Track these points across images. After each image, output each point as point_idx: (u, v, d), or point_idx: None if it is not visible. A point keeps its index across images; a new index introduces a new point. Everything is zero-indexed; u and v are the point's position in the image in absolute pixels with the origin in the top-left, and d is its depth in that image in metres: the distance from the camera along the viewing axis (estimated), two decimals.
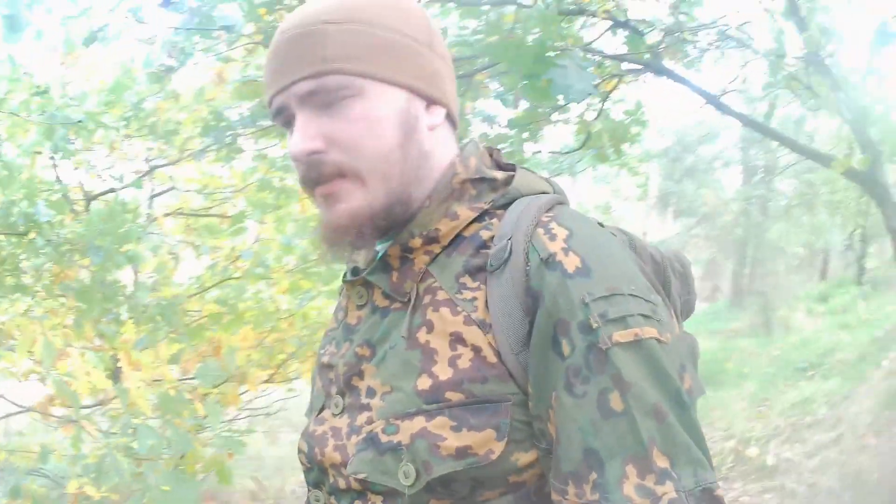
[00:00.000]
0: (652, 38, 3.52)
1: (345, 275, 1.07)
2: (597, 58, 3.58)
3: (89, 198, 3.79)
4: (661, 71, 3.50)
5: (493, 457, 0.84)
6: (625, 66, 4.01)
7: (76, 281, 3.24)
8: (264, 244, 5.12)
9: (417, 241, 0.96)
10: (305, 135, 0.93)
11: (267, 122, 4.30)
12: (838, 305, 11.41)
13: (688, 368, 0.88)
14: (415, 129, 0.96)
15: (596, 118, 4.42)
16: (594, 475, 0.79)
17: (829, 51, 3.13)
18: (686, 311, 1.21)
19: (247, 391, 4.60)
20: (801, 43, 3.09)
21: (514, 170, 1.02)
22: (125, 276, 4.46)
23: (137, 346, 3.33)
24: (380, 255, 0.99)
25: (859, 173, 3.20)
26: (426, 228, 0.96)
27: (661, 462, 0.78)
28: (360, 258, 1.06)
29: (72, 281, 3.22)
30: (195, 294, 4.51)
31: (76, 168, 4.06)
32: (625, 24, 3.29)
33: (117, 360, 3.02)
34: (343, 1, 0.95)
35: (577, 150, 5.14)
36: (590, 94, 2.46)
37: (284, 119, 0.97)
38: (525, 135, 6.32)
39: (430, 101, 0.98)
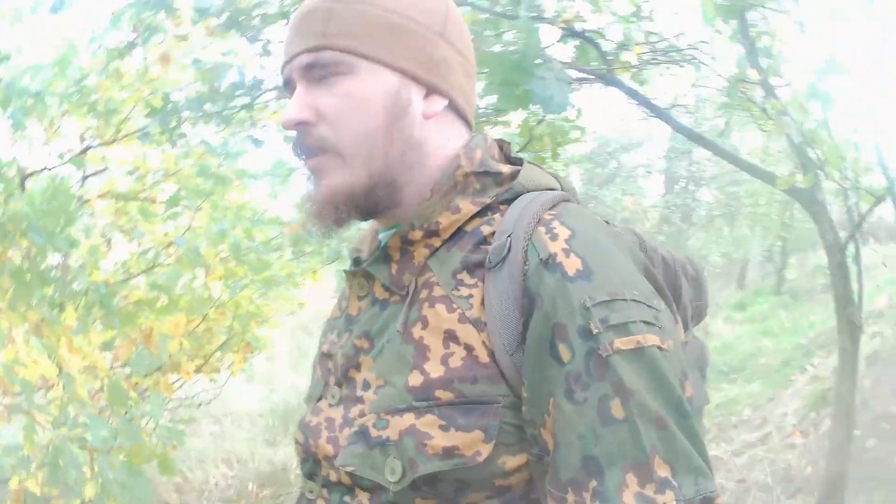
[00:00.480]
0: (606, 49, 3.61)
1: (354, 262, 1.08)
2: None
3: (24, 176, 3.64)
4: (611, 82, 3.59)
5: (480, 459, 0.84)
6: (574, 74, 4.11)
7: (8, 262, 3.11)
8: (196, 231, 5.00)
9: (418, 234, 0.95)
10: (298, 105, 0.95)
11: (212, 108, 4.24)
12: (757, 313, 11.84)
13: (689, 376, 0.87)
14: (404, 114, 0.95)
15: (540, 122, 4.50)
16: (594, 483, 0.78)
17: (779, 75, 3.31)
18: (697, 316, 1.20)
19: (179, 380, 4.50)
20: (755, 66, 3.23)
21: (521, 164, 1.02)
22: (52, 259, 4.32)
23: (74, 333, 3.21)
24: (381, 245, 1.00)
25: (799, 190, 3.38)
26: (427, 221, 0.95)
27: (662, 471, 0.77)
28: (365, 248, 1.07)
29: (8, 262, 3.09)
30: (126, 279, 4.38)
31: (14, 143, 3.90)
32: (580, 35, 3.37)
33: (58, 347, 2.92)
34: None
35: (519, 152, 5.24)
36: (569, 107, 2.51)
37: (290, 90, 0.99)
38: None
39: (431, 89, 0.97)
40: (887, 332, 7.11)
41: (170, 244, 4.86)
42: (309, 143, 0.96)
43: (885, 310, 7.88)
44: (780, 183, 3.25)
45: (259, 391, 8.37)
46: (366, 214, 0.98)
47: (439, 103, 0.98)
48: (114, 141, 4.69)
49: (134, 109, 4.47)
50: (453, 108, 1.00)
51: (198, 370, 4.64)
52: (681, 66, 3.61)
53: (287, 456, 6.31)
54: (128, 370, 3.86)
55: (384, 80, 0.94)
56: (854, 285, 3.61)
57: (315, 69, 0.95)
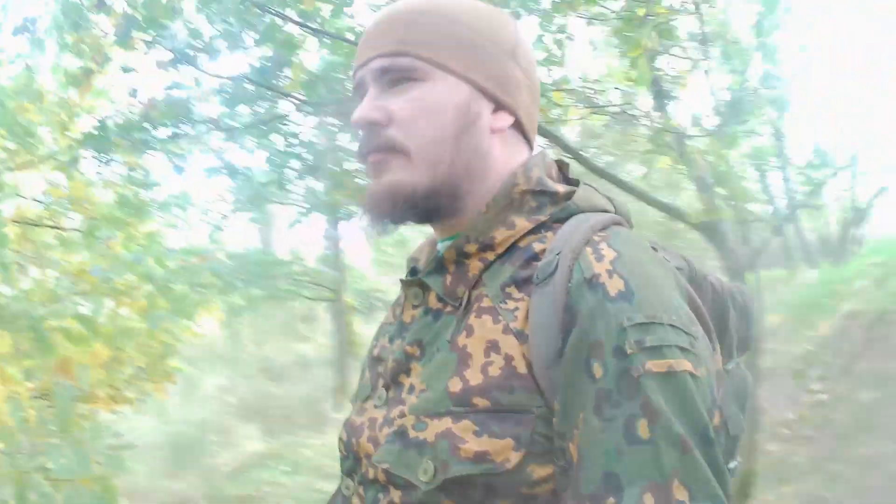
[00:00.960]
0: None
1: (410, 272, 1.11)
2: None
3: None
4: None
5: (509, 466, 0.85)
6: None
7: None
8: (113, 259, 4.91)
9: (472, 247, 0.98)
10: (370, 105, 0.98)
11: (141, 136, 4.24)
12: None
13: (722, 407, 0.88)
14: (472, 125, 0.98)
15: None
16: (612, 499, 0.78)
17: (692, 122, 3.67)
18: (743, 346, 1.20)
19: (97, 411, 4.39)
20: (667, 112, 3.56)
21: (578, 185, 1.04)
22: None
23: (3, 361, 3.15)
24: (438, 255, 1.02)
25: (705, 224, 3.76)
26: (482, 235, 0.97)
27: (680, 494, 0.77)
28: (422, 258, 1.11)
29: None
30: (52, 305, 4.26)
31: None
32: None
33: None
34: (439, 0, 1.01)
35: None
36: None
37: (361, 93, 1.02)
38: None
39: (499, 105, 1.01)
40: (780, 348, 7.78)
41: (82, 272, 4.76)
42: (378, 142, 0.98)
43: (777, 328, 8.56)
44: (689, 218, 3.58)
45: (151, 423, 8.17)
46: (424, 217, 1.01)
47: (506, 120, 1.01)
48: (30, 165, 4.58)
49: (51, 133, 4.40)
50: (518, 126, 1.03)
51: (114, 401, 4.54)
52: (611, 117, 3.88)
53: (189, 487, 6.20)
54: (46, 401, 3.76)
55: (456, 91, 0.98)
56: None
57: (390, 73, 0.98)
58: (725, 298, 1.13)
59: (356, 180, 6.16)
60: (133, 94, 3.73)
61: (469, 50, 0.99)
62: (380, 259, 20.55)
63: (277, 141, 5.92)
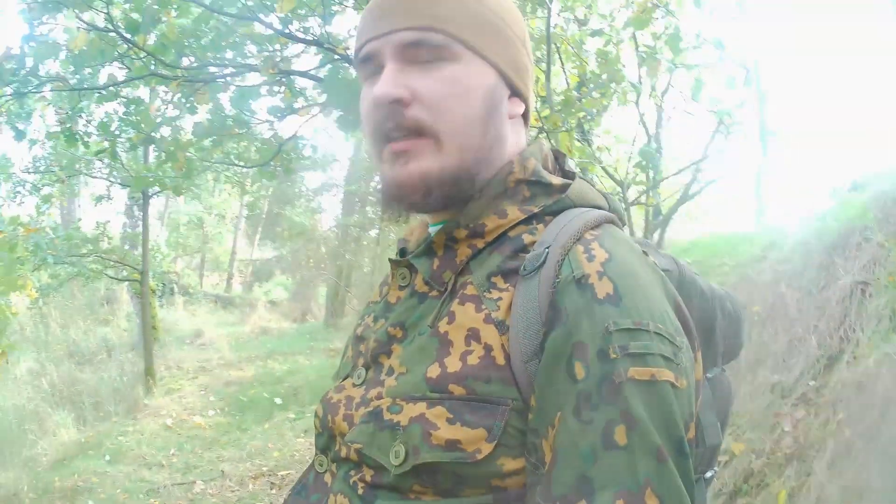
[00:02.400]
0: None
1: (400, 252, 1.11)
2: None
3: None
4: None
5: (479, 456, 0.84)
6: None
7: None
8: None
9: (462, 233, 0.96)
10: (395, 82, 0.92)
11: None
12: None
13: (700, 418, 0.88)
14: (497, 110, 0.97)
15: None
16: (583, 503, 0.77)
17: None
18: (730, 354, 1.19)
19: None
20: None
21: (574, 178, 1.03)
22: None
23: None
24: (428, 239, 1.00)
25: None
26: (473, 221, 0.96)
27: (652, 503, 0.76)
28: (413, 239, 1.10)
29: None
30: None
31: None
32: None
33: None
34: None
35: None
36: None
37: (372, 67, 0.97)
38: (208, 142, 6.47)
39: (514, 92, 1.00)
40: None
41: None
42: (404, 123, 0.93)
43: None
44: None
45: None
46: (447, 203, 0.97)
47: (520, 107, 1.01)
48: None
49: None
50: (524, 114, 1.04)
51: None
52: None
53: (11, 480, 5.72)
54: None
55: (486, 74, 0.96)
56: None
57: (420, 48, 0.93)
58: (714, 304, 1.13)
59: (188, 154, 5.98)
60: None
61: (494, 33, 0.97)
62: (174, 240, 19.65)
63: (116, 108, 5.61)
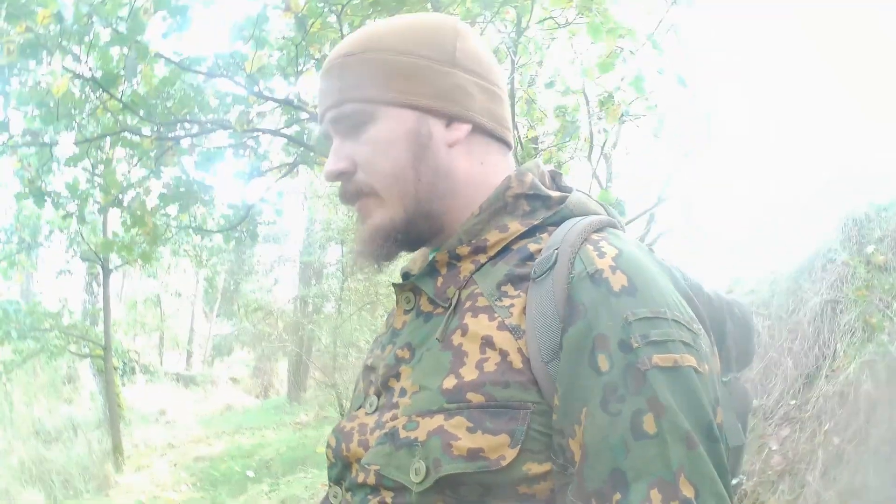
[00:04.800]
0: None
1: (403, 276, 1.11)
2: None
3: None
4: None
5: (504, 463, 0.83)
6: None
7: None
8: None
9: (465, 249, 0.98)
10: (335, 157, 1.02)
11: None
12: None
13: (722, 404, 0.86)
14: (426, 148, 0.99)
15: None
16: (618, 496, 0.77)
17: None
18: (742, 361, 1.18)
19: None
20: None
21: (571, 192, 1.05)
22: None
23: None
24: (430, 259, 1.02)
25: None
26: (475, 237, 0.98)
27: (687, 491, 0.76)
28: (416, 265, 1.11)
29: None
30: None
31: None
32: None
33: None
34: (369, 31, 1.02)
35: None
36: None
37: (330, 142, 1.05)
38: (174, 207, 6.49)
39: (451, 118, 1.01)
40: None
41: None
42: (351, 189, 1.02)
43: None
44: None
45: None
46: (411, 246, 1.04)
47: (462, 130, 1.01)
48: None
49: None
50: (481, 130, 1.03)
51: None
52: None
53: None
54: None
55: (403, 120, 0.99)
56: None
57: (341, 122, 1.01)
58: (723, 311, 1.13)
59: (154, 220, 5.96)
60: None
61: (404, 76, 0.99)
62: (133, 319, 19.22)
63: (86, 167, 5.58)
